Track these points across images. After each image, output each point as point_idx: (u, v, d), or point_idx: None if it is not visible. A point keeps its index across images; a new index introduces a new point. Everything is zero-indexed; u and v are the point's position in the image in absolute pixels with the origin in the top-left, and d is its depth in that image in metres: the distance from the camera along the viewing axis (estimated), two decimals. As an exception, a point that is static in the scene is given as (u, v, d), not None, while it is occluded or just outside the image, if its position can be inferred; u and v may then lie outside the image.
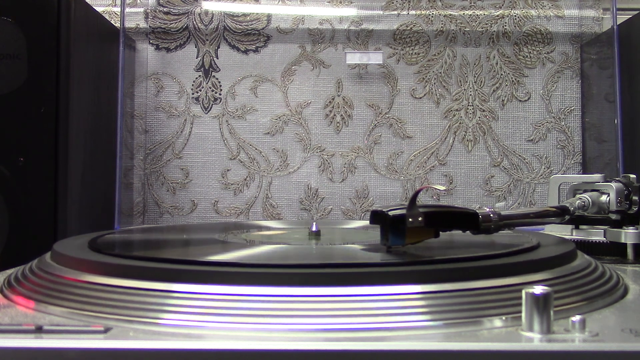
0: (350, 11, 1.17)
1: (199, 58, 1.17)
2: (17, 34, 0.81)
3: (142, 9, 1.17)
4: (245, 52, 1.17)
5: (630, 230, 0.64)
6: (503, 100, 1.17)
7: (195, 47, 1.17)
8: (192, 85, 1.17)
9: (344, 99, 1.17)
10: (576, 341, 0.33)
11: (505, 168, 1.17)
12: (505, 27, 1.17)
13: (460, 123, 1.17)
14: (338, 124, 1.17)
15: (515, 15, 1.18)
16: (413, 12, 1.17)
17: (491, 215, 0.52)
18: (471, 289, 0.39)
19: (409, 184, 1.16)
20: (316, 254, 0.52)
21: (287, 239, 0.63)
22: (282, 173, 1.16)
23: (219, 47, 1.17)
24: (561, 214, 0.62)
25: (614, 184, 0.66)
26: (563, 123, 1.17)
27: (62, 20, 0.83)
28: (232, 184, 1.16)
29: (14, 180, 0.80)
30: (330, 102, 1.17)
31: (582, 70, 1.17)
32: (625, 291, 0.47)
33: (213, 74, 1.17)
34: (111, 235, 0.63)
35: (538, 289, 0.35)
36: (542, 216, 0.60)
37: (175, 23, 1.17)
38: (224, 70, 1.17)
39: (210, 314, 0.37)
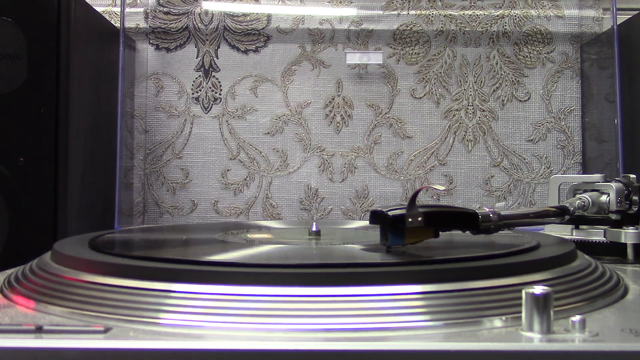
0: (350, 11, 1.17)
1: (199, 58, 1.17)
2: (17, 34, 0.81)
3: (142, 9, 1.17)
4: (245, 52, 1.17)
5: (630, 230, 0.64)
6: (503, 100, 1.17)
7: (195, 47, 1.17)
8: (192, 85, 1.17)
9: (344, 99, 1.17)
10: (576, 341, 0.33)
11: (505, 168, 1.17)
12: (505, 27, 1.17)
13: (460, 123, 1.17)
14: (338, 124, 1.17)
15: (515, 15, 1.18)
16: (413, 12, 1.17)
17: (491, 215, 0.52)
18: (471, 289, 0.39)
19: (409, 184, 1.16)
20: (316, 254, 0.52)
21: (287, 239, 0.63)
22: (282, 173, 1.16)
23: (219, 47, 1.17)
24: (561, 214, 0.62)
25: (614, 184, 0.66)
26: (563, 123, 1.17)
27: (62, 20, 0.83)
28: (232, 184, 1.16)
29: (14, 180, 0.80)
30: (330, 102, 1.17)
31: (582, 70, 1.17)
32: (625, 291, 0.47)
33: (213, 74, 1.17)
34: (111, 235, 0.63)
35: (538, 289, 0.35)
36: (542, 216, 0.60)
37: (175, 23, 1.17)
38: (224, 70, 1.17)
39: (210, 313, 0.37)
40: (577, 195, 0.69)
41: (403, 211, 0.48)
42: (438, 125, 1.17)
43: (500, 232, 0.53)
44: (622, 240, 0.64)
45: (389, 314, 0.37)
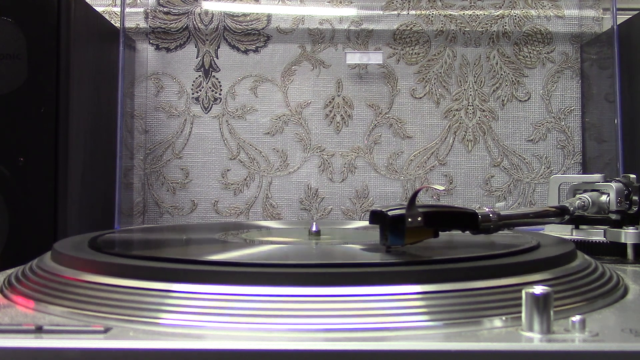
0: (350, 11, 1.17)
1: (199, 58, 1.17)
2: (17, 34, 0.81)
3: (142, 9, 1.17)
4: (245, 52, 1.17)
5: (630, 230, 0.64)
6: (503, 100, 1.17)
7: (195, 47, 1.17)
8: (192, 85, 1.17)
9: (344, 99, 1.17)
10: (576, 341, 0.33)
11: (505, 168, 1.17)
12: (505, 27, 1.17)
13: (460, 123, 1.17)
14: (338, 124, 1.17)
15: (515, 15, 1.18)
16: (413, 12, 1.17)
17: (490, 215, 0.52)
18: (471, 289, 0.39)
19: (409, 184, 1.16)
20: (316, 254, 0.52)
21: (287, 239, 0.63)
22: (282, 173, 1.16)
23: (219, 47, 1.17)
24: (561, 214, 0.62)
25: (614, 184, 0.66)
26: (563, 123, 1.17)
27: (62, 20, 0.83)
28: (232, 184, 1.16)
29: (14, 180, 0.80)
30: (330, 102, 1.17)
31: (582, 70, 1.17)
32: (625, 291, 0.47)
33: (213, 74, 1.17)
34: (111, 234, 0.63)
35: (538, 289, 0.35)
36: (542, 216, 0.60)
37: (175, 23, 1.17)
38: (224, 70, 1.17)
39: (210, 313, 0.37)
40: (577, 195, 0.69)
41: (403, 211, 0.48)
42: (438, 125, 1.17)
43: (500, 232, 0.53)
44: (622, 240, 0.64)
45: (389, 314, 0.37)
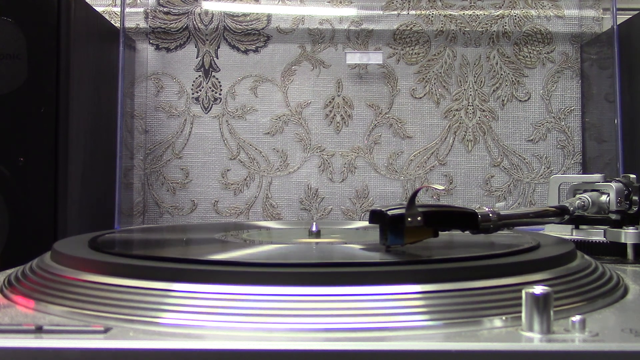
0: (350, 11, 1.17)
1: (199, 58, 1.17)
2: (17, 34, 0.81)
3: (142, 9, 1.17)
4: (245, 52, 1.17)
5: (630, 230, 0.64)
6: (503, 100, 1.17)
7: (195, 47, 1.17)
8: (192, 85, 1.17)
9: (344, 99, 1.17)
10: (576, 341, 0.33)
11: (505, 168, 1.17)
12: (505, 27, 1.17)
13: (460, 123, 1.17)
14: (338, 124, 1.17)
15: (515, 15, 1.18)
16: (413, 12, 1.17)
17: (490, 215, 0.52)
18: (471, 289, 0.39)
19: (409, 184, 1.16)
20: (316, 254, 0.52)
21: (287, 239, 0.63)
22: (282, 173, 1.16)
23: (219, 47, 1.17)
24: (560, 214, 0.62)
25: (614, 184, 0.66)
26: (563, 123, 1.17)
27: (62, 20, 0.83)
28: (232, 184, 1.16)
29: (14, 180, 0.80)
30: (330, 102, 1.17)
31: (582, 70, 1.17)
32: (625, 291, 0.47)
33: (213, 74, 1.17)
34: (111, 234, 0.63)
35: (538, 289, 0.35)
36: (542, 216, 0.60)
37: (175, 23, 1.17)
38: (224, 70, 1.17)
39: (210, 313, 0.37)
40: (577, 195, 0.69)
41: (402, 211, 0.48)
42: (438, 125, 1.17)
43: (499, 232, 0.53)
44: (622, 240, 0.64)
45: (389, 313, 0.37)
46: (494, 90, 1.17)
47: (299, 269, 0.40)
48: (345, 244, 0.56)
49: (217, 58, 1.17)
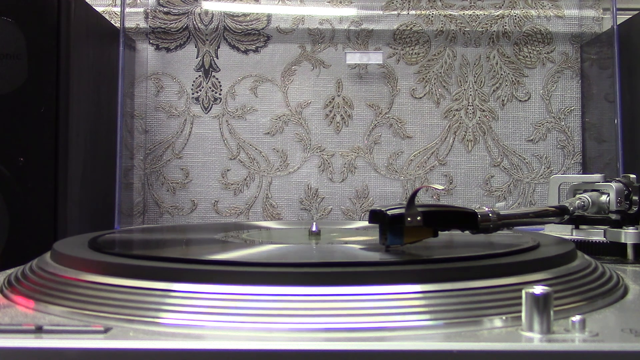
0: (350, 11, 1.17)
1: (199, 58, 1.17)
2: (17, 34, 0.81)
3: (142, 9, 1.17)
4: (245, 52, 1.17)
5: (630, 230, 0.64)
6: (503, 100, 1.17)
7: (195, 47, 1.17)
8: (192, 85, 1.17)
9: (344, 99, 1.17)
10: (576, 341, 0.33)
11: (505, 168, 1.17)
12: (505, 27, 1.17)
13: (460, 123, 1.17)
14: (338, 124, 1.17)
15: (515, 15, 1.18)
16: (413, 12, 1.17)
17: (490, 214, 0.52)
18: (471, 289, 0.39)
19: (409, 184, 1.16)
20: (316, 254, 0.52)
21: (287, 239, 0.63)
22: (282, 173, 1.16)
23: (219, 47, 1.17)
24: (560, 214, 0.62)
25: (614, 184, 0.66)
26: (563, 123, 1.17)
27: (62, 20, 0.83)
28: (232, 184, 1.16)
29: (14, 180, 0.80)
30: (330, 102, 1.17)
31: (582, 70, 1.17)
32: (625, 291, 0.47)
33: (213, 74, 1.17)
34: (111, 234, 0.63)
35: (538, 289, 0.35)
36: (541, 216, 0.60)
37: (175, 23, 1.17)
38: (224, 70, 1.17)
39: (210, 313, 0.37)
40: (577, 195, 0.69)
41: (402, 211, 0.48)
42: (438, 125, 1.17)
43: (499, 231, 0.53)
44: (622, 240, 0.64)
45: (389, 313, 0.37)
46: (494, 90, 1.17)
47: (299, 269, 0.40)
48: (346, 244, 0.56)
49: (217, 58, 1.17)
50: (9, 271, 0.52)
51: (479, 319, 0.37)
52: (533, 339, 0.34)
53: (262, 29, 1.17)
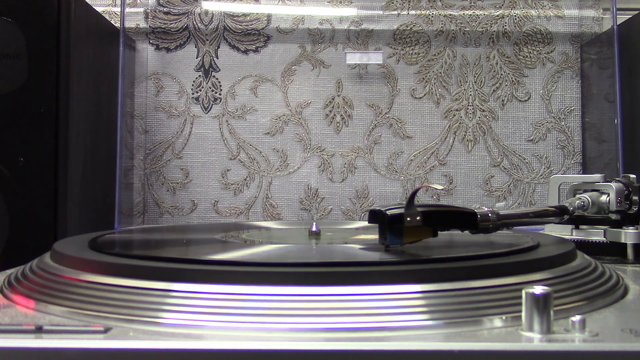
0: (350, 11, 1.17)
1: (199, 58, 1.17)
2: (17, 34, 0.81)
3: (142, 9, 1.17)
4: (245, 52, 1.17)
5: (630, 230, 0.64)
6: (503, 100, 1.17)
7: (195, 47, 1.17)
8: (192, 85, 1.17)
9: (344, 99, 1.17)
10: (576, 341, 0.33)
11: (505, 168, 1.17)
12: (505, 27, 1.17)
13: (460, 123, 1.17)
14: (338, 124, 1.17)
15: (515, 15, 1.18)
16: (413, 12, 1.17)
17: (489, 214, 0.52)
18: (471, 289, 0.39)
19: (409, 184, 1.16)
20: (316, 254, 0.52)
21: (287, 239, 0.63)
22: (282, 173, 1.16)
23: (219, 47, 1.17)
24: (560, 214, 0.62)
25: (614, 184, 0.66)
26: (563, 123, 1.17)
27: (62, 20, 0.83)
28: (232, 184, 1.16)
29: (14, 180, 0.80)
30: (330, 102, 1.17)
31: (582, 70, 1.17)
32: (625, 291, 0.47)
33: (213, 74, 1.17)
34: (111, 235, 0.63)
35: (538, 289, 0.35)
36: (541, 216, 0.60)
37: (175, 23, 1.17)
38: (224, 70, 1.17)
39: (210, 313, 0.37)
40: (577, 195, 0.69)
41: (401, 210, 0.48)
42: (438, 125, 1.17)
43: (499, 231, 0.53)
44: (622, 240, 0.64)
45: (389, 313, 0.37)
46: (494, 90, 1.17)
47: (299, 269, 0.40)
48: (346, 244, 0.56)
49: (217, 58, 1.17)
50: (9, 271, 0.52)
51: (479, 319, 0.37)
52: (533, 339, 0.34)
53: (262, 29, 1.17)
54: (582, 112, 1.17)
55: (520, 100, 1.17)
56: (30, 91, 0.81)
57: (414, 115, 1.17)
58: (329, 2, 1.18)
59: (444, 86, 1.17)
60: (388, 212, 0.48)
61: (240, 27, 1.17)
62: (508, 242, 0.55)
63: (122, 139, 1.08)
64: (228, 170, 1.16)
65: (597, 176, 0.69)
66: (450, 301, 0.38)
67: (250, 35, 1.17)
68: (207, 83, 1.17)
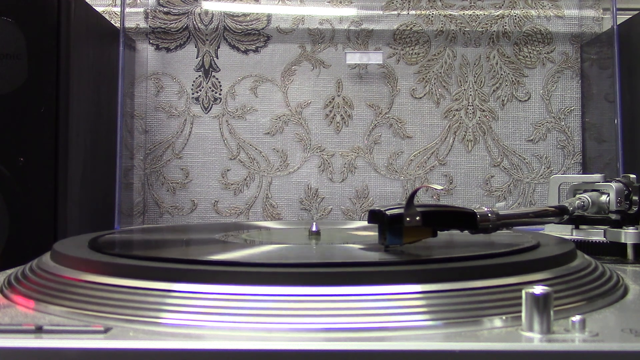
0: (350, 11, 1.17)
1: (199, 58, 1.17)
2: (17, 34, 0.81)
3: (142, 9, 1.17)
4: (245, 52, 1.17)
5: (630, 230, 0.64)
6: (503, 100, 1.17)
7: (195, 47, 1.17)
8: (192, 85, 1.17)
9: (344, 99, 1.17)
10: (576, 341, 0.33)
11: (505, 168, 1.17)
12: (505, 27, 1.17)
13: (460, 123, 1.17)
14: (338, 124, 1.17)
15: (515, 15, 1.18)
16: (413, 12, 1.17)
17: (489, 214, 0.52)
18: (471, 289, 0.39)
19: (409, 184, 1.16)
20: (316, 254, 0.52)
21: (287, 239, 0.63)
22: (282, 173, 1.16)
23: (219, 47, 1.17)
24: (560, 214, 0.62)
25: (614, 184, 0.66)
26: (563, 123, 1.17)
27: (62, 20, 0.83)
28: (232, 184, 1.16)
29: (14, 180, 0.80)
30: (330, 102, 1.17)
31: (582, 70, 1.17)
32: (625, 291, 0.47)
33: (213, 74, 1.17)
34: (111, 235, 0.63)
35: (538, 289, 0.35)
36: (541, 216, 0.60)
37: (175, 23, 1.17)
38: (224, 70, 1.17)
39: (210, 313, 0.37)
40: (577, 195, 0.69)
41: (401, 211, 0.48)
42: (438, 125, 1.17)
43: (499, 231, 0.53)
44: (622, 240, 0.64)
45: (389, 313, 0.37)
46: (494, 90, 1.17)
47: (299, 269, 0.40)
48: (346, 244, 0.56)
49: (217, 58, 1.17)
50: (9, 271, 0.52)
51: (479, 319, 0.37)
52: (533, 339, 0.34)
53: (262, 29, 1.17)
54: (582, 112, 1.17)
55: (520, 100, 1.17)
56: (30, 91, 0.81)
57: (414, 115, 1.17)
58: (329, 2, 1.18)
59: (444, 86, 1.17)
60: (388, 212, 0.48)
61: (240, 27, 1.17)
62: (508, 242, 0.55)
63: (122, 139, 1.08)
64: (228, 170, 1.16)
65: (597, 176, 0.69)
66: (450, 301, 0.38)
67: (250, 35, 1.17)
68: (207, 83, 1.17)
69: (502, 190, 1.16)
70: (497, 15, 1.18)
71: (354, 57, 1.16)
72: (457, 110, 1.17)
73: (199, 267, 0.41)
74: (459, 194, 1.16)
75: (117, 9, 1.15)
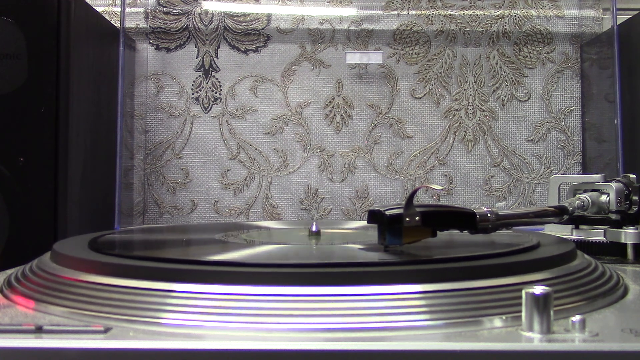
0: (350, 11, 1.17)
1: (199, 58, 1.17)
2: (17, 34, 0.81)
3: (142, 9, 1.17)
4: (245, 52, 1.17)
5: (630, 230, 0.64)
6: (503, 100, 1.17)
7: (195, 47, 1.17)
8: (192, 85, 1.17)
9: (344, 99, 1.17)
10: (576, 341, 0.33)
11: (505, 168, 1.17)
12: (505, 27, 1.17)
13: (460, 123, 1.17)
14: (338, 124, 1.17)
15: (515, 15, 1.18)
16: (413, 12, 1.17)
17: (489, 214, 0.52)
18: (471, 289, 0.39)
19: (409, 184, 1.16)
20: (316, 254, 0.52)
21: (287, 239, 0.63)
22: (282, 173, 1.16)
23: (219, 47, 1.17)
24: (559, 214, 0.62)
25: (614, 184, 0.66)
26: (563, 123, 1.17)
27: (62, 20, 0.83)
28: (232, 184, 1.16)
29: (14, 180, 0.80)
30: (330, 102, 1.17)
31: (582, 70, 1.17)
32: (625, 291, 0.47)
33: (213, 74, 1.17)
34: (111, 235, 0.63)
35: (538, 289, 0.35)
36: (540, 216, 0.60)
37: (175, 23, 1.17)
38: (224, 70, 1.17)
39: (211, 313, 0.37)
40: (577, 195, 0.69)
41: (401, 211, 0.48)
42: (438, 125, 1.17)
43: (499, 231, 0.53)
44: (622, 240, 0.64)
45: (389, 313, 0.37)
46: (494, 90, 1.17)
47: (299, 269, 0.40)
48: (346, 244, 0.56)
49: (217, 58, 1.17)
50: (9, 271, 0.52)
51: (479, 319, 0.37)
52: (533, 339, 0.34)
53: (262, 29, 1.17)
54: (582, 112, 1.17)
55: (520, 100, 1.17)
56: (30, 91, 0.81)
57: (414, 115, 1.17)
58: (329, 2, 1.18)
59: (444, 86, 1.17)
60: (387, 213, 0.48)
61: (240, 27, 1.17)
62: (508, 242, 0.55)
63: (122, 139, 1.08)
64: (228, 170, 1.16)
65: (597, 176, 0.69)
66: (450, 301, 0.38)
67: (250, 35, 1.17)
68: (207, 83, 1.17)
69: (502, 190, 1.16)
70: (497, 15, 1.18)
71: (354, 57, 1.16)
72: (457, 110, 1.17)
73: (199, 268, 0.41)
74: (459, 194, 1.16)
75: (117, 9, 1.15)
